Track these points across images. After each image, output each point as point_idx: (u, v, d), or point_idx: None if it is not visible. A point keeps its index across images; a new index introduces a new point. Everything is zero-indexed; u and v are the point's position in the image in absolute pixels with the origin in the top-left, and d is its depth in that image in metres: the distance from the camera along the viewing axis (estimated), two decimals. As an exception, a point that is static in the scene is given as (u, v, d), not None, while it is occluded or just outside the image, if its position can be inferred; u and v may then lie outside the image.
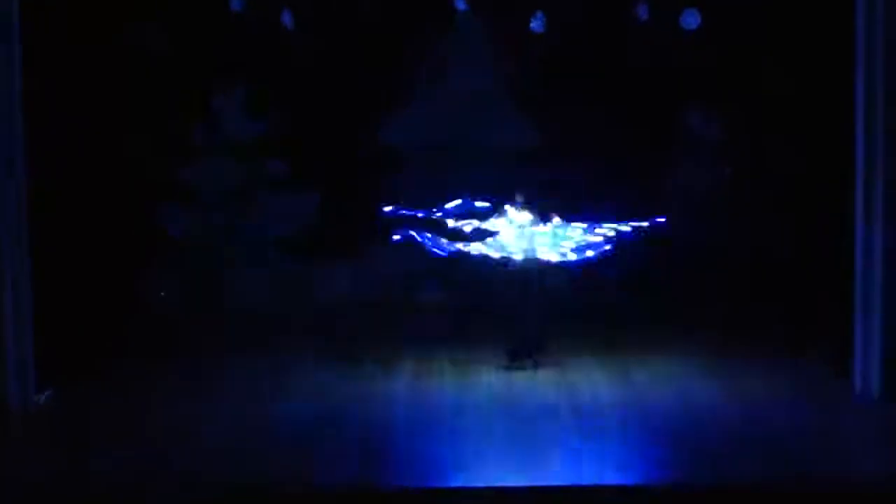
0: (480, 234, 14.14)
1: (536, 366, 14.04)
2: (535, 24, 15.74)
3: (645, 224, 14.18)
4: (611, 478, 10.22)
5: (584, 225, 14.19)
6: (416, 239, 14.19)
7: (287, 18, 15.21)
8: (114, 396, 13.14)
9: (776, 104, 16.58)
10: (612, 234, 14.15)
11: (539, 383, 13.60)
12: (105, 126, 16.30)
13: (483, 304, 15.79)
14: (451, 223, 14.16)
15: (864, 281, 12.97)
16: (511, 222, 14.08)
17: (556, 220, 14.13)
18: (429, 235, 14.23)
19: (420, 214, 14.26)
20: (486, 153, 18.00)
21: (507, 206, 14.11)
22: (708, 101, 17.57)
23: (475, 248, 14.16)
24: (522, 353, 14.10)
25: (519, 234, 13.99)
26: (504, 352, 14.19)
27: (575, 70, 17.49)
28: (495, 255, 14.07)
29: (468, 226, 14.13)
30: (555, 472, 10.48)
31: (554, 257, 14.04)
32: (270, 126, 17.77)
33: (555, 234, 14.02)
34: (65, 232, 14.69)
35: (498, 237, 14.08)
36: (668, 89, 17.41)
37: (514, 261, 14.00)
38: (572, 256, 14.07)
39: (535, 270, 14.01)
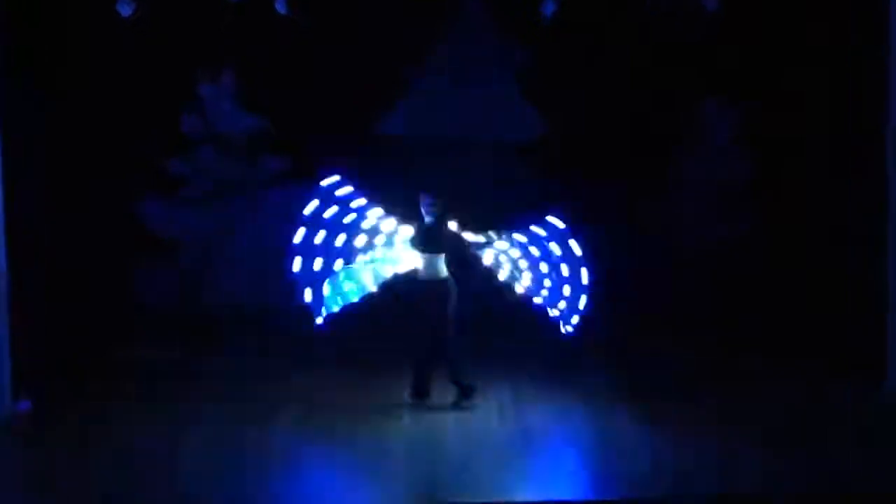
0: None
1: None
2: (546, 10, 15.02)
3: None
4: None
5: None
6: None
7: (280, 5, 14.44)
8: (93, 410, 12.48)
9: (801, 96, 16.11)
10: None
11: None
12: (87, 118, 15.89)
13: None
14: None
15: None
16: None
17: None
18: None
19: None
20: (491, 146, 17.64)
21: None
22: (726, 91, 17.07)
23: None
24: (423, 388, 12.25)
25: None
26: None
27: (586, 58, 17.00)
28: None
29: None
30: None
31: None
32: (264, 118, 17.24)
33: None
34: (46, 232, 14.45)
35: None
36: (684, 78, 16.97)
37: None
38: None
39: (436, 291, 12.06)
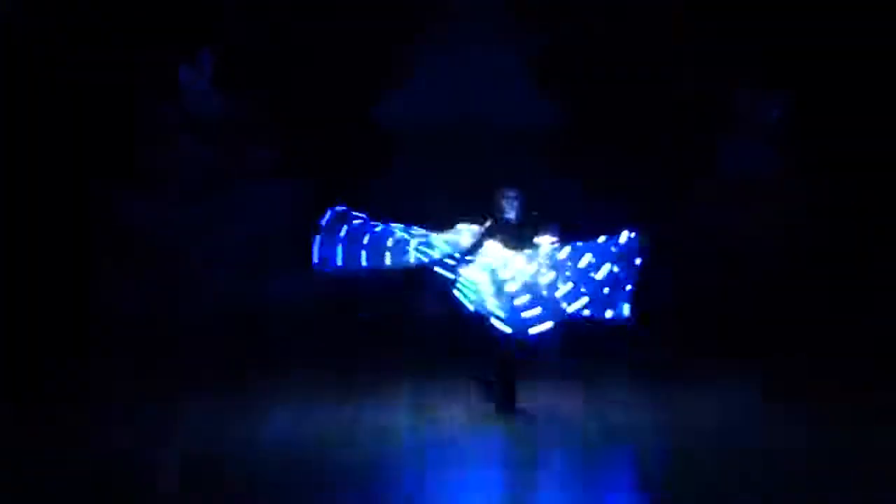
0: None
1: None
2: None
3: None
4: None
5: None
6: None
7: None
8: (56, 414, 11.77)
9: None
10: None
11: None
12: (49, 102, 15.20)
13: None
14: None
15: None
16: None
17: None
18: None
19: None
20: (499, 135, 16.77)
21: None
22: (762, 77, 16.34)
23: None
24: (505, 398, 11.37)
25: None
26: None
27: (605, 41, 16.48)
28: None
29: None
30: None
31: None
32: (247, 104, 16.41)
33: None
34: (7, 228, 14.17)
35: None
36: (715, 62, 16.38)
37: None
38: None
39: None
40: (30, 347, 13.73)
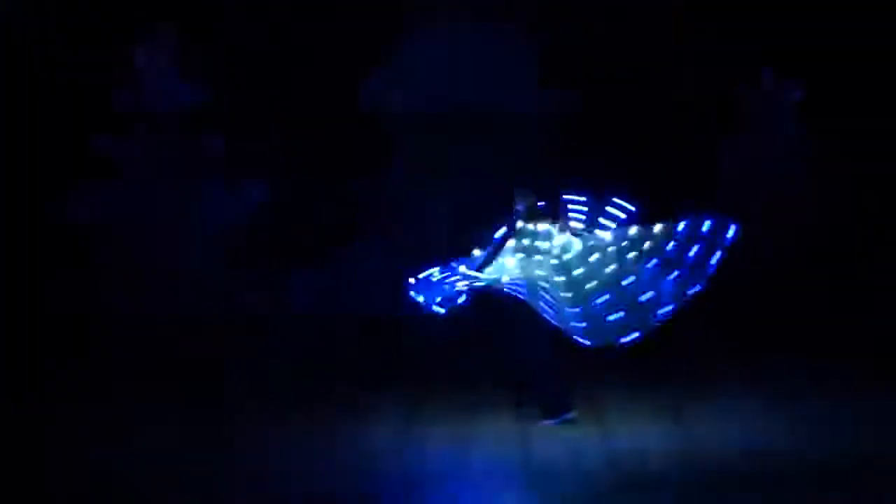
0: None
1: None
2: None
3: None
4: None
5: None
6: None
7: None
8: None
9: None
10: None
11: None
12: (49, 102, 15.10)
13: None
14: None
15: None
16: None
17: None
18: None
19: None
20: (495, 124, 16.52)
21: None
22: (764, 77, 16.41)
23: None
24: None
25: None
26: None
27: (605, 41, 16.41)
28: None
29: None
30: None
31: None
32: (211, 91, 15.91)
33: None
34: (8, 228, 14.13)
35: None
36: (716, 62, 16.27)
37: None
38: None
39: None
40: (30, 347, 13.66)
